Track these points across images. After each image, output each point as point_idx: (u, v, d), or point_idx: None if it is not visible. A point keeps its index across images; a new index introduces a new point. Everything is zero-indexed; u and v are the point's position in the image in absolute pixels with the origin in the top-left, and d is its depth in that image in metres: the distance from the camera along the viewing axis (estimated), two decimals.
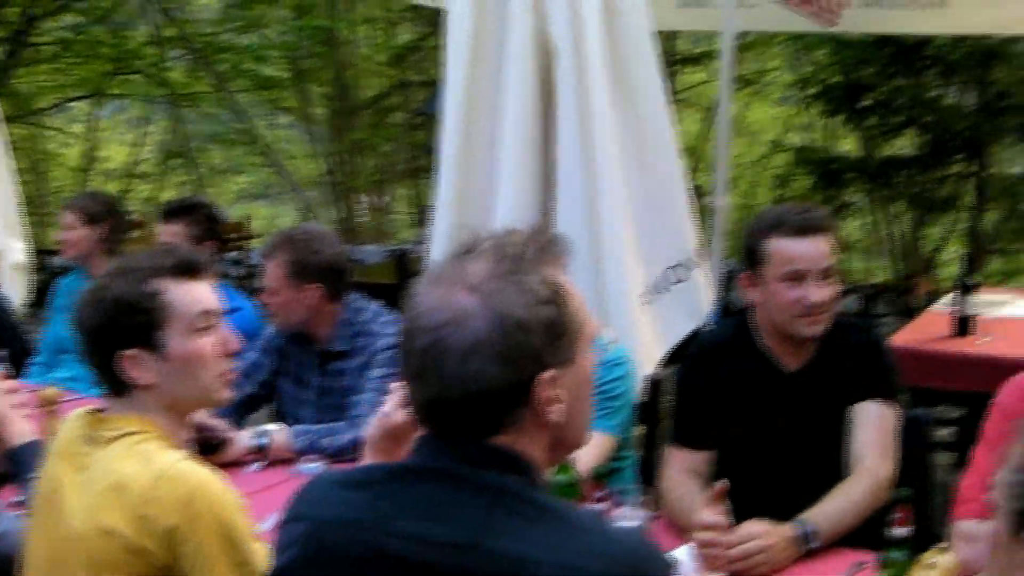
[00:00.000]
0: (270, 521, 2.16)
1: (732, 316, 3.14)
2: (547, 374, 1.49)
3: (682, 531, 2.69)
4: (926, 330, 5.09)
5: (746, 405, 2.99)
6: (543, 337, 1.48)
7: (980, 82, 8.38)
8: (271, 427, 3.38)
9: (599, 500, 2.67)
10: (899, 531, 2.24)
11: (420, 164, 11.44)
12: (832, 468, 2.81)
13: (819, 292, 2.82)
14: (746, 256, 2.96)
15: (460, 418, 1.51)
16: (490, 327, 1.45)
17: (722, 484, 2.51)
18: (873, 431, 2.86)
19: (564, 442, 1.60)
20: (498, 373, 1.46)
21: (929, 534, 2.55)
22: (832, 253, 2.87)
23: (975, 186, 8.77)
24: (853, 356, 2.97)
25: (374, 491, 1.55)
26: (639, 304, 3.98)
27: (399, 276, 7.99)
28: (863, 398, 2.90)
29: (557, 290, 1.51)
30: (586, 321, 1.57)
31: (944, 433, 5.10)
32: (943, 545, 2.23)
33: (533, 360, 1.48)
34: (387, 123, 13.39)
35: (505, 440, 1.51)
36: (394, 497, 1.52)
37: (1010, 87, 8.01)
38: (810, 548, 2.55)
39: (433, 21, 6.08)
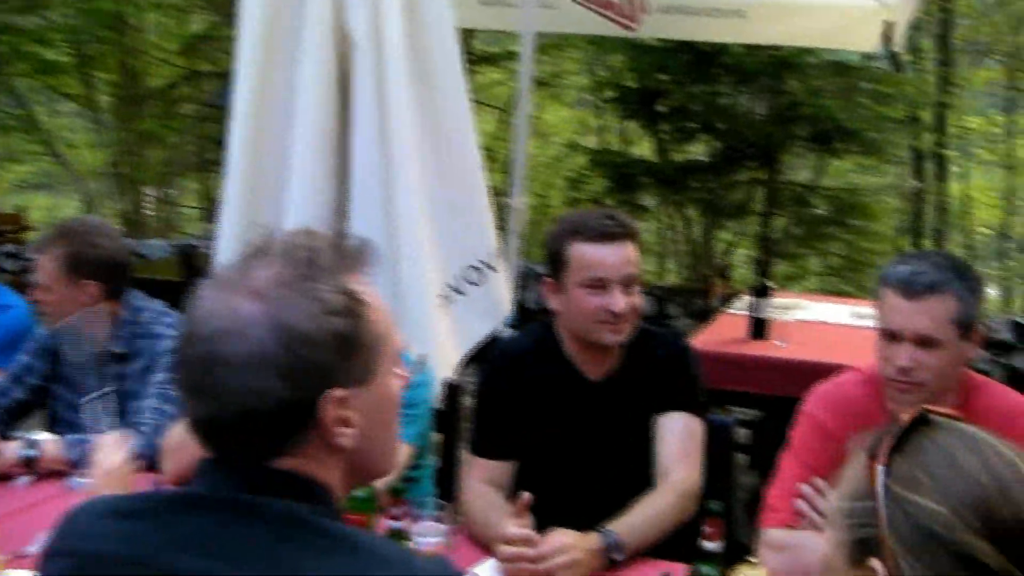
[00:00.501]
0: (38, 542, 1.92)
1: (536, 321, 3.02)
2: (336, 393, 1.33)
3: (484, 544, 2.57)
4: (723, 333, 5.13)
5: (548, 414, 2.89)
6: (333, 352, 1.32)
7: (773, 91, 8.59)
8: (42, 436, 3.10)
9: (396, 514, 2.51)
10: (710, 545, 2.16)
11: (210, 157, 11.05)
12: (638, 480, 2.74)
13: (621, 300, 2.74)
14: (548, 261, 2.87)
15: (239, 439, 1.33)
16: (272, 338, 1.28)
17: (526, 496, 2.41)
18: (678, 442, 2.80)
19: (362, 469, 1.43)
20: (279, 390, 1.29)
21: (733, 541, 2.48)
22: (635, 261, 2.80)
23: (765, 192, 8.98)
24: (659, 366, 2.90)
25: (150, 522, 1.34)
26: (437, 305, 3.87)
27: (185, 273, 7.65)
28: (668, 409, 2.84)
29: (353, 300, 1.35)
30: (388, 336, 1.41)
31: (740, 435, 5.15)
32: (753, 560, 2.15)
33: (320, 377, 1.32)
34: (176, 114, 12.93)
35: (292, 464, 1.34)
36: (172, 530, 1.32)
37: (801, 97, 8.22)
38: (614, 560, 2.47)
39: (227, 10, 5.81)
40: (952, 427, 1.33)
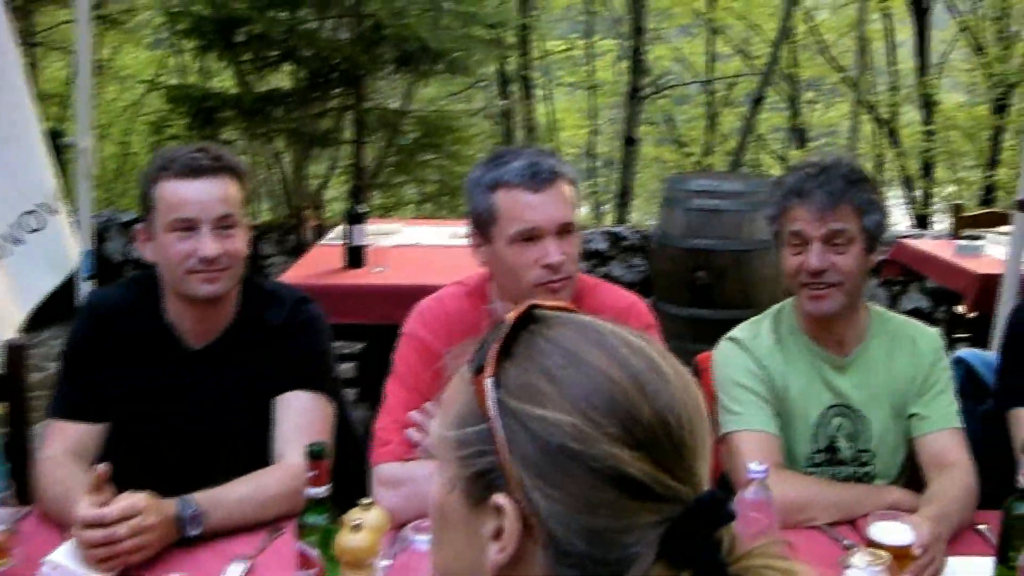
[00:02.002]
0: None
1: (142, 273, 2.57)
2: None
3: (62, 524, 2.19)
4: (317, 264, 4.90)
5: (141, 380, 2.49)
6: None
7: (356, 15, 8.34)
8: None
9: None
10: (314, 491, 1.90)
11: None
12: (252, 462, 2.38)
13: (212, 244, 2.36)
14: (140, 205, 2.46)
15: None
16: None
17: (102, 468, 2.05)
18: (295, 424, 2.45)
19: None
20: None
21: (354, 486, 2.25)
22: (234, 199, 2.42)
23: (355, 120, 8.76)
24: (272, 335, 2.54)
25: None
26: None
27: None
28: (285, 386, 2.50)
29: None
30: None
31: (346, 368, 4.97)
32: (367, 501, 1.92)
33: None
34: None
35: None
36: None
37: (385, 19, 8.02)
38: (189, 535, 2.14)
39: None
40: (567, 320, 1.08)
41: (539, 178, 2.32)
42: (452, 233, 5.57)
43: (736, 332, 2.63)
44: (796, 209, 2.42)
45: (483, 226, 2.39)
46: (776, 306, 2.66)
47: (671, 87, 16.85)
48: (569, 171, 2.41)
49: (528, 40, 12.07)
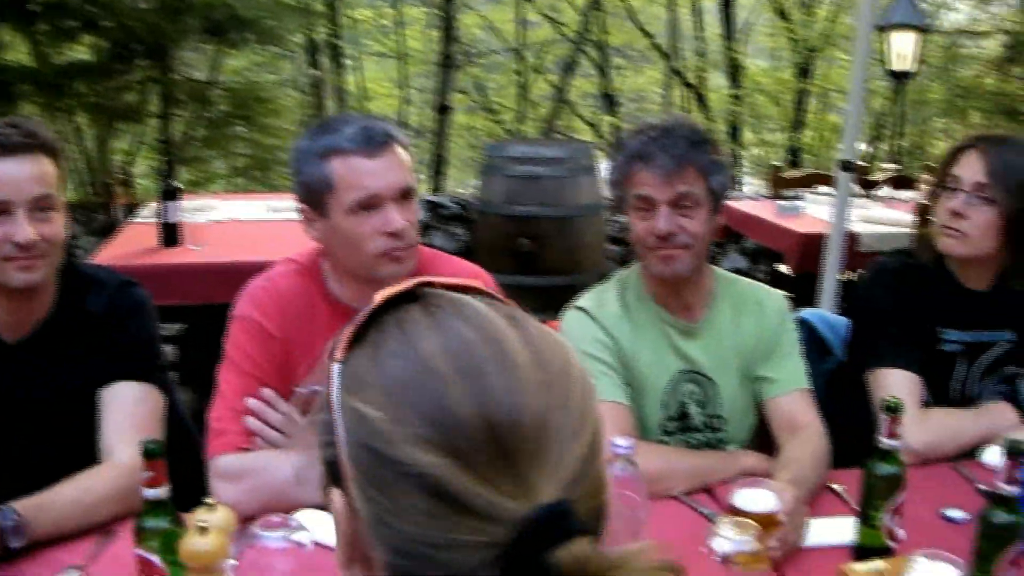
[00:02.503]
0: None
1: None
2: None
3: None
4: (130, 244, 4.66)
5: None
6: None
7: None
8: None
9: None
10: (152, 493, 1.74)
11: None
12: (78, 462, 2.16)
13: (25, 229, 2.12)
14: None
15: None
16: None
17: None
18: (123, 417, 2.26)
19: None
20: None
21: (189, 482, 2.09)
22: (50, 178, 2.18)
23: (161, 92, 8.42)
24: (95, 325, 2.33)
25: None
26: None
27: None
28: (112, 379, 2.29)
29: None
30: None
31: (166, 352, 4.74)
32: (210, 500, 1.78)
33: None
34: None
35: None
36: None
37: None
38: (12, 548, 1.92)
39: None
40: (438, 300, 0.93)
41: (374, 142, 2.20)
42: (269, 207, 5.41)
43: (582, 301, 2.57)
44: (640, 173, 2.36)
45: (316, 198, 2.24)
46: (621, 273, 2.61)
47: (482, 55, 16.84)
48: (402, 136, 2.30)
49: (336, 8, 11.82)
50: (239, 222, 5.24)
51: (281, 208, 5.14)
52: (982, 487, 2.26)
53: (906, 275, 2.67)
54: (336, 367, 0.91)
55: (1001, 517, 1.76)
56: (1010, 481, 1.75)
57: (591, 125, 18.64)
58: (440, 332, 0.89)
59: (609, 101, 18.37)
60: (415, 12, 16.03)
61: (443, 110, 13.80)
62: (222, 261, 4.29)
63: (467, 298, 0.94)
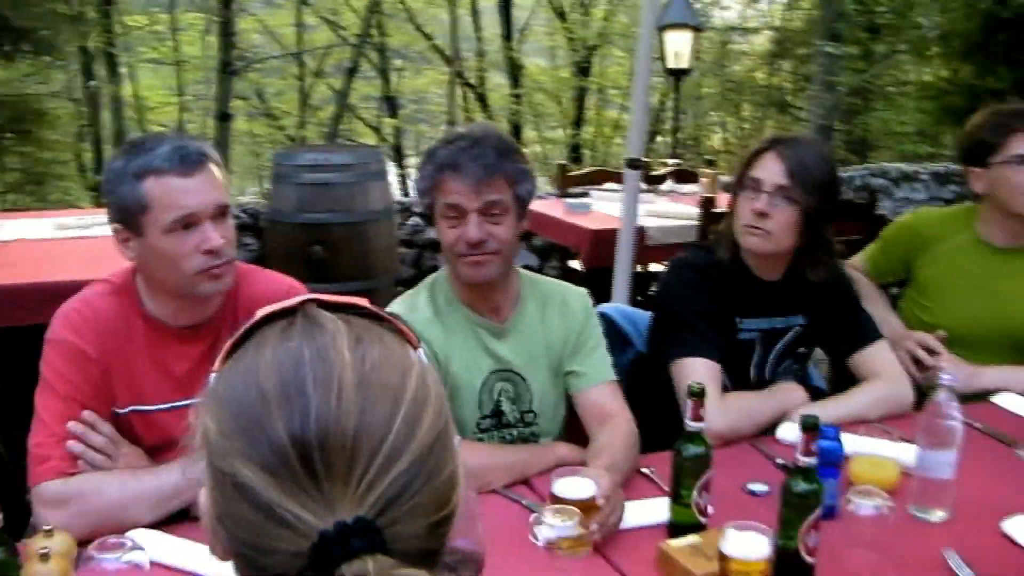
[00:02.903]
0: None
1: None
2: None
3: None
4: None
5: None
6: None
7: None
8: None
9: None
10: None
11: None
12: None
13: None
14: None
15: None
16: None
17: None
18: None
19: None
20: None
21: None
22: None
23: None
24: None
25: None
26: None
27: None
28: None
29: None
30: None
31: None
32: (47, 527, 1.77)
33: None
34: None
35: None
36: None
37: None
38: None
39: None
40: (301, 320, 0.98)
41: (189, 161, 2.21)
42: (58, 224, 5.23)
43: (393, 306, 2.63)
44: (450, 182, 2.43)
45: (132, 218, 2.23)
46: (430, 278, 2.68)
47: (263, 60, 16.62)
48: (215, 153, 2.32)
49: (110, 15, 11.46)
50: (27, 242, 5.05)
51: (70, 225, 4.98)
52: (780, 461, 2.44)
53: (705, 269, 2.84)
54: (212, 378, 0.97)
55: (801, 486, 1.91)
56: (807, 453, 1.91)
57: (374, 128, 18.64)
58: (280, 352, 0.95)
59: (391, 104, 18.42)
60: (191, 17, 15.69)
61: (224, 117, 13.56)
62: (16, 283, 4.13)
63: (328, 317, 0.99)
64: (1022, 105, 3.24)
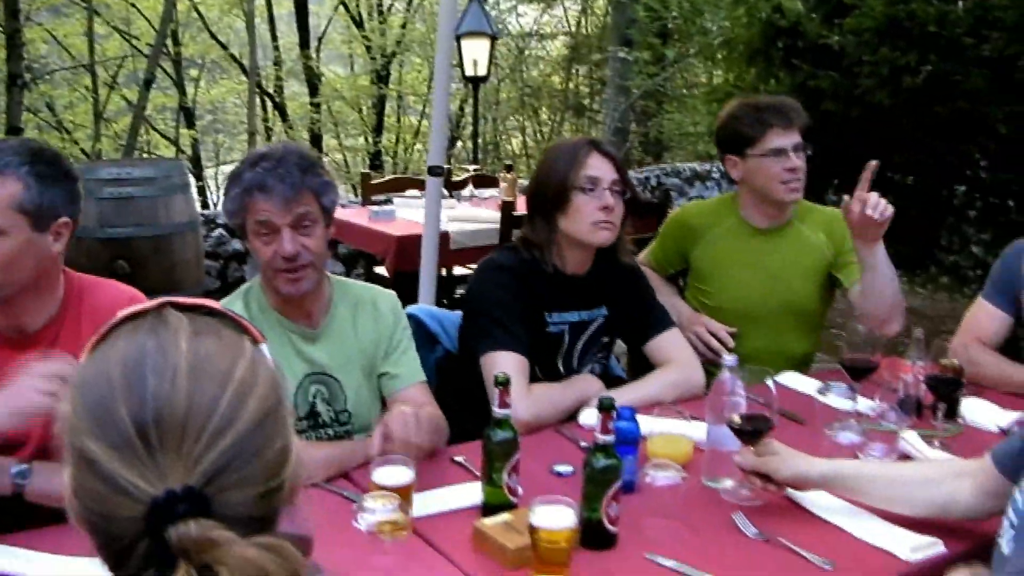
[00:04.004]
0: None
1: None
2: None
3: None
4: None
5: None
6: None
7: None
8: None
9: None
10: None
11: None
12: None
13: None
14: None
15: None
16: None
17: None
18: None
19: None
20: None
21: None
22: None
23: None
24: None
25: None
26: None
27: None
28: None
29: None
30: None
31: None
32: None
33: None
34: None
35: None
36: None
37: None
38: None
39: None
40: (154, 317, 1.12)
41: None
42: None
43: None
44: (260, 203, 2.53)
45: None
46: (244, 286, 2.75)
47: (52, 71, 16.11)
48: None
49: None
50: None
51: None
52: (584, 444, 2.60)
53: (512, 269, 2.99)
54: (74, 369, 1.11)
55: (601, 462, 2.09)
56: (604, 431, 2.09)
57: (172, 140, 18.28)
58: (128, 345, 1.08)
59: (188, 115, 18.09)
60: None
61: (14, 131, 13.08)
62: None
63: (175, 315, 1.12)
64: (775, 99, 3.52)
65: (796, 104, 3.47)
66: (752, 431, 2.33)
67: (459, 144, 18.35)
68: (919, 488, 2.23)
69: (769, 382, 2.39)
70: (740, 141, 3.43)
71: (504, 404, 2.22)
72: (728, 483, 2.41)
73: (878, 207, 3.04)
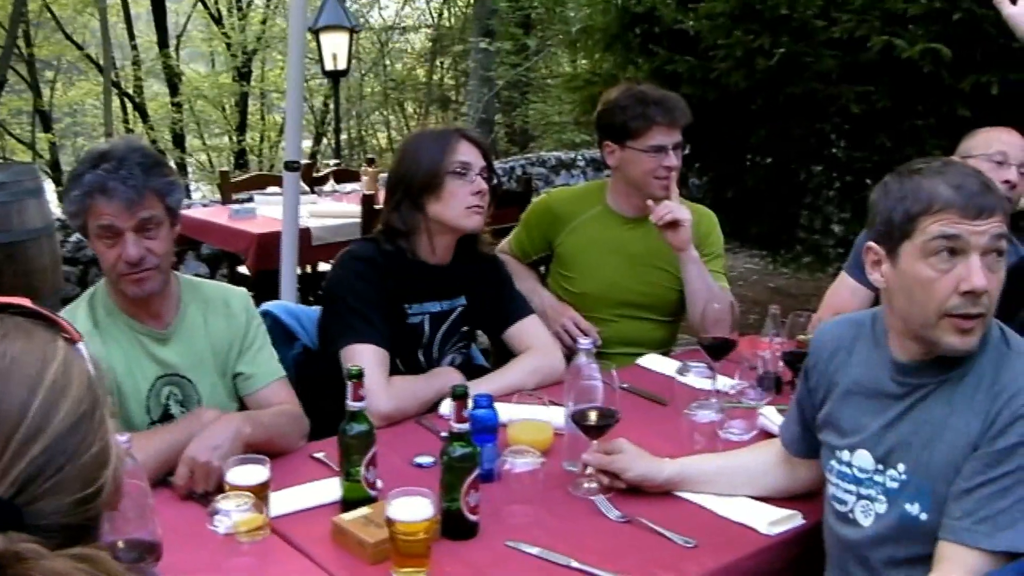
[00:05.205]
0: None
1: None
2: None
3: None
4: None
5: None
6: None
7: None
8: None
9: None
10: None
11: None
12: None
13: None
14: None
15: None
16: None
17: None
18: None
19: None
20: None
21: None
22: None
23: None
24: None
25: None
26: None
27: None
28: None
29: None
30: None
31: None
32: None
33: None
34: None
35: None
36: None
37: None
38: None
39: None
40: None
41: None
42: None
43: None
44: (101, 206, 2.43)
45: None
46: (89, 290, 2.66)
47: None
48: None
49: None
50: None
51: None
52: (444, 434, 2.58)
53: (370, 260, 2.96)
54: None
55: (458, 451, 2.08)
56: (459, 420, 2.08)
57: (28, 145, 17.76)
58: None
59: (45, 117, 17.59)
60: None
61: None
62: None
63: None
64: (661, 94, 3.49)
65: (681, 102, 3.48)
66: (596, 426, 2.35)
67: (324, 140, 18.20)
68: (761, 475, 2.35)
69: (614, 371, 2.42)
70: (622, 132, 3.44)
71: (358, 397, 2.20)
72: (580, 480, 2.39)
73: (657, 213, 3.29)
